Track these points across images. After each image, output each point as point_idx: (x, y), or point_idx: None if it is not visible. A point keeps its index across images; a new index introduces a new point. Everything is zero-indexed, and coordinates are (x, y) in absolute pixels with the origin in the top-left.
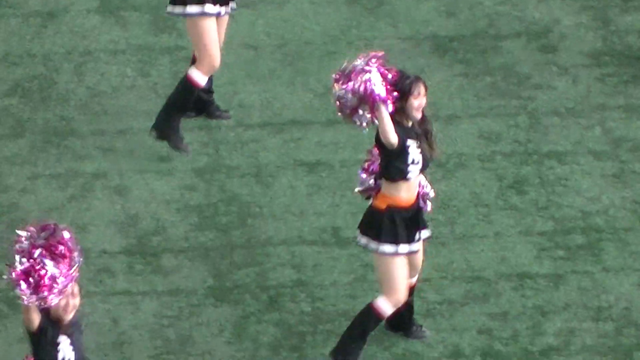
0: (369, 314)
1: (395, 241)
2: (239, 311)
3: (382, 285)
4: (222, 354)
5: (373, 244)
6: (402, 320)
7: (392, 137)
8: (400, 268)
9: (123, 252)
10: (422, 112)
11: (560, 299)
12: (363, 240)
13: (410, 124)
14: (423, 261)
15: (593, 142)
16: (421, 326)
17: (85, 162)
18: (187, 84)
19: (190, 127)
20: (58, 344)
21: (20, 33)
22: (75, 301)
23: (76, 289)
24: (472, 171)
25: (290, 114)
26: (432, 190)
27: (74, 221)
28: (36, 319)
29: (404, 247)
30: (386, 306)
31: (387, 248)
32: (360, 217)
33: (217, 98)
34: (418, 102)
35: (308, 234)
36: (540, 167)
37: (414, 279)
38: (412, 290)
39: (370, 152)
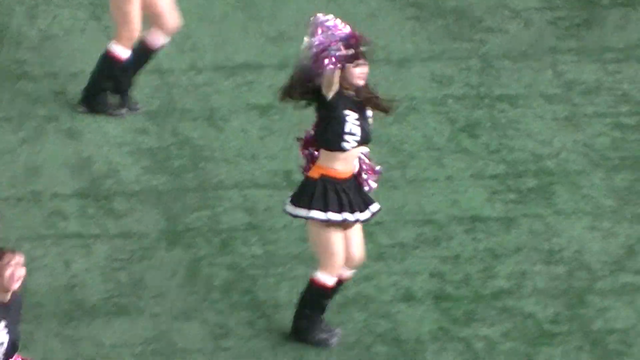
0: (312, 289)
1: (325, 209)
2: (191, 254)
3: (319, 257)
4: (174, 296)
5: (303, 212)
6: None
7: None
8: (334, 237)
9: (75, 195)
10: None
11: (511, 242)
12: (290, 208)
13: (351, 92)
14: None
15: (545, 86)
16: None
17: (37, 105)
18: (107, 58)
19: (142, 71)
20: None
21: None
22: (21, 272)
23: (22, 259)
24: (424, 115)
25: (243, 57)
26: (379, 166)
27: (27, 164)
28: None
29: (334, 215)
30: (325, 277)
31: (317, 214)
32: None
33: (170, 41)
34: (360, 70)
35: (260, 178)
36: (492, 110)
37: (349, 273)
38: (341, 282)
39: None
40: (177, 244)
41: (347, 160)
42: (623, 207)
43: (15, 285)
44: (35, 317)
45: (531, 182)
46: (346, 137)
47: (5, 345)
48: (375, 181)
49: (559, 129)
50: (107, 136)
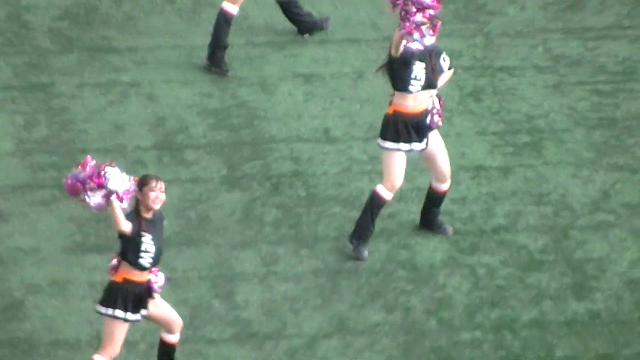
0: (373, 199)
1: (397, 139)
2: (248, 196)
3: (383, 176)
4: (233, 230)
5: (380, 141)
6: (429, 220)
7: None
8: (398, 163)
9: (153, 147)
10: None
11: (508, 187)
12: (378, 140)
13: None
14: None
15: (537, 59)
16: (444, 224)
17: (122, 73)
18: (221, 15)
19: (206, 45)
20: (142, 239)
21: None
22: (163, 196)
23: (163, 186)
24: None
25: (290, 34)
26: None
27: (113, 122)
28: (122, 220)
29: (404, 146)
30: (384, 192)
31: (389, 144)
32: (346, 120)
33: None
34: None
35: (304, 133)
36: (493, 79)
37: (445, 185)
38: (443, 194)
39: None
40: (236, 187)
41: (416, 99)
42: (600, 158)
43: (157, 206)
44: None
45: (525, 138)
46: (412, 82)
47: (152, 253)
48: (441, 118)
49: (547, 95)
50: (179, 99)
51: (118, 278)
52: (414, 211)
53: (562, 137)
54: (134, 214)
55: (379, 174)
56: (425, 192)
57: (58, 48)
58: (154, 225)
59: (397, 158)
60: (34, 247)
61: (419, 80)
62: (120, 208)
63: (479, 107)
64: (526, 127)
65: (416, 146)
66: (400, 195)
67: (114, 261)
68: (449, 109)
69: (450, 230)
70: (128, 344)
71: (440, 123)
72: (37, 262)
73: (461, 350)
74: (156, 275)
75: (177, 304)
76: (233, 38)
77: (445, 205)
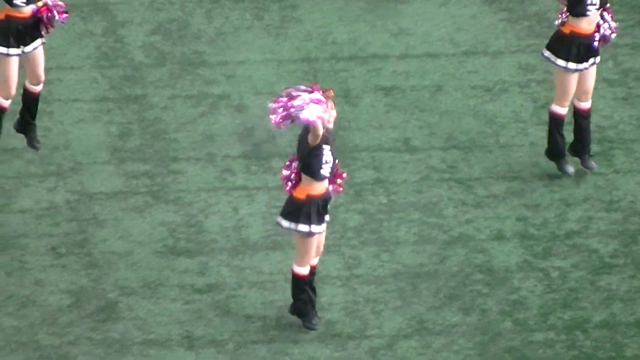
0: (551, 120)
1: (568, 59)
2: (332, 202)
3: (556, 93)
4: None
5: (550, 56)
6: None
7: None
8: (571, 81)
9: (242, 156)
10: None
11: (580, 194)
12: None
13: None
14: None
15: (607, 72)
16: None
17: (212, 86)
18: None
19: (293, 59)
20: (323, 151)
21: None
22: (334, 112)
23: (332, 105)
24: (513, 94)
25: (372, 49)
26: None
27: (204, 132)
28: (319, 136)
29: (572, 65)
30: (559, 108)
31: (561, 62)
32: (425, 131)
33: (316, 37)
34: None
35: (385, 143)
36: None
37: (586, 103)
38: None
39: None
40: None
41: (590, 22)
42: None
43: (331, 124)
44: (210, 250)
45: (596, 148)
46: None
47: (330, 163)
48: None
49: (617, 106)
50: (267, 110)
51: (301, 195)
52: (490, 216)
53: (631, 147)
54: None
55: (457, 182)
56: (500, 197)
57: (151, 61)
58: (327, 139)
59: (568, 76)
60: (127, 251)
61: (595, 4)
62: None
63: None
64: (597, 137)
65: (581, 66)
66: (476, 202)
67: (288, 176)
68: (523, 120)
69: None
70: (217, 343)
71: (613, 36)
72: (131, 266)
73: (535, 350)
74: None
75: (264, 306)
76: (318, 53)
77: (520, 211)
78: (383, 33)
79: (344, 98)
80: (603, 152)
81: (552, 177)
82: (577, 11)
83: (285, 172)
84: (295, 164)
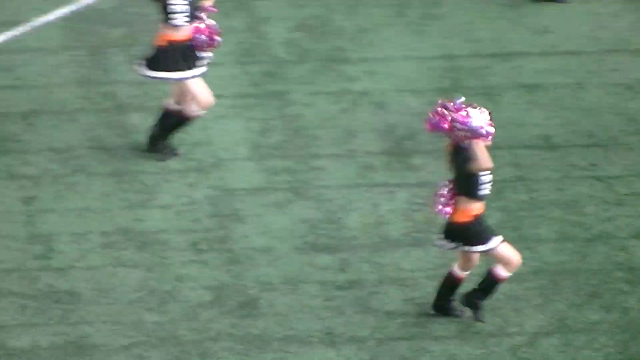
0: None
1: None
2: None
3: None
4: None
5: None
6: None
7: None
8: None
9: (382, 153)
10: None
11: None
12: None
13: None
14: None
15: None
16: None
17: (354, 82)
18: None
19: (435, 56)
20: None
21: None
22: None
23: None
24: None
25: (514, 46)
26: None
27: (345, 128)
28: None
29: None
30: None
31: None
32: (567, 128)
33: (457, 34)
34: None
35: (526, 140)
36: None
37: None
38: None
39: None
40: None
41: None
42: None
43: None
44: (350, 247)
45: None
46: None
47: (489, 184)
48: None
49: None
50: (409, 107)
51: (468, 218)
52: (631, 214)
53: None
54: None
55: (598, 179)
56: None
57: (293, 58)
58: None
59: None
60: (268, 247)
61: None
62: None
63: None
64: None
65: None
66: (617, 200)
67: (444, 202)
68: None
69: None
70: (357, 339)
71: None
72: (271, 262)
73: None
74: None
75: (404, 303)
76: (460, 50)
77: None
78: (525, 31)
79: (485, 95)
80: None
81: None
82: None
83: (442, 196)
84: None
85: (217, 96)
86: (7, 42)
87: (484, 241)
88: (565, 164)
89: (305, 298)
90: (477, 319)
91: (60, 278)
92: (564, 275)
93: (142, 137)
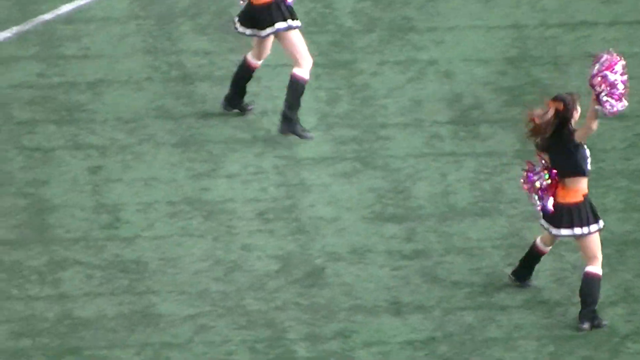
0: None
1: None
2: None
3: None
4: (525, 202)
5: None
6: None
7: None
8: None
9: (450, 122)
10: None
11: None
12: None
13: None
14: None
15: None
16: None
17: (421, 52)
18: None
19: (502, 26)
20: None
21: None
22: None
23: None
24: None
25: (581, 16)
26: None
27: (412, 98)
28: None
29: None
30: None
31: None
32: (635, 98)
33: (525, 3)
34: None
35: None
36: None
37: None
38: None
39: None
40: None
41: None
42: None
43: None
44: (417, 216)
45: None
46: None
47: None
48: None
49: None
50: (475, 77)
51: (580, 198)
52: None
53: None
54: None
55: None
56: None
57: (360, 27)
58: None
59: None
60: (335, 216)
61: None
62: None
63: None
64: None
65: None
66: None
67: (544, 186)
68: None
69: None
70: (424, 309)
71: None
72: (338, 231)
73: None
74: None
75: (470, 273)
76: (527, 19)
77: None
78: (591, 0)
79: (553, 65)
80: None
81: None
82: None
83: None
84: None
85: (284, 65)
86: (74, 12)
87: (597, 219)
88: (632, 134)
89: (371, 268)
90: (599, 325)
91: (127, 248)
92: (630, 245)
93: (209, 107)
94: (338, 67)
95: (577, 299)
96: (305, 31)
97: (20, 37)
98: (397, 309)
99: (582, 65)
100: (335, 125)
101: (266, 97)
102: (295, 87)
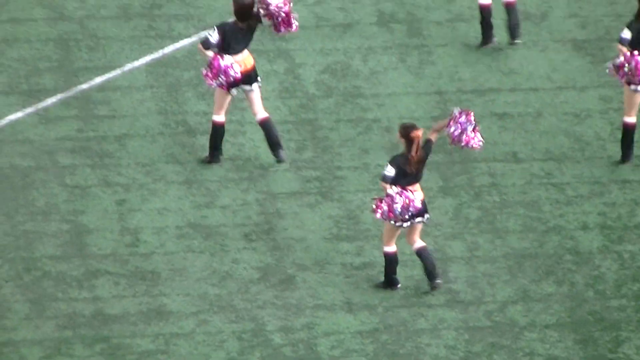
0: None
1: None
2: (457, 200)
3: None
4: (447, 225)
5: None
6: None
7: None
8: None
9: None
10: None
11: None
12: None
13: None
14: None
15: None
16: None
17: (368, 112)
18: None
19: (428, 92)
20: None
21: None
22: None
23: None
24: (595, 119)
25: (489, 84)
26: None
27: (361, 147)
28: None
29: None
30: None
31: None
32: (530, 147)
33: (446, 75)
34: None
35: (498, 155)
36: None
37: None
38: None
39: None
40: (449, 194)
41: None
42: None
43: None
44: (365, 237)
45: None
46: None
47: None
48: None
49: None
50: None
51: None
52: (578, 212)
53: None
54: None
55: (553, 185)
56: (586, 198)
57: (321, 94)
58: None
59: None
60: (302, 237)
61: None
62: None
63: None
64: None
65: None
66: (567, 201)
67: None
68: (603, 139)
69: None
70: (370, 307)
71: None
72: (305, 248)
73: (611, 313)
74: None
75: (405, 279)
76: (448, 87)
77: (600, 208)
78: (497, 72)
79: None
80: None
81: (625, 182)
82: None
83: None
84: None
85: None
86: (104, 82)
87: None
88: (528, 174)
89: (330, 276)
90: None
91: (145, 261)
92: (527, 258)
93: (207, 154)
94: (304, 123)
95: (487, 299)
96: (279, 97)
97: (64, 102)
98: (349, 307)
99: (490, 122)
100: (302, 168)
101: (250, 146)
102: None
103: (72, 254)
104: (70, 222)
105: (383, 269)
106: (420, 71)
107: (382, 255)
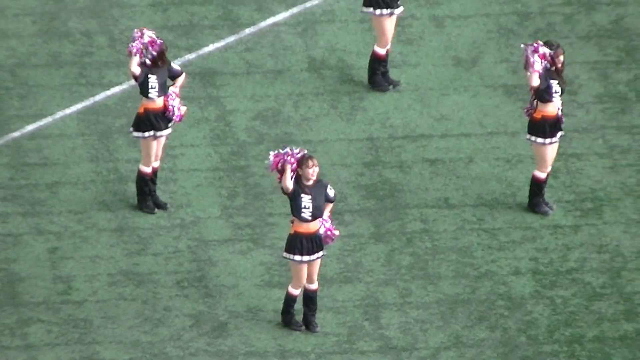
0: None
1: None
2: (389, 247)
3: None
4: (378, 272)
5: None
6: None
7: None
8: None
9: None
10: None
11: (577, 240)
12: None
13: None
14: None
15: (597, 148)
16: None
17: None
18: None
19: (360, 138)
20: (301, 199)
21: None
22: (317, 169)
23: (316, 162)
24: (527, 165)
25: (420, 130)
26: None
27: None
28: (289, 181)
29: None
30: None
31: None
32: (462, 192)
33: (377, 121)
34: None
35: (430, 201)
36: (566, 162)
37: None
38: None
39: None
40: (380, 240)
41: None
42: None
43: (313, 179)
44: None
45: (589, 204)
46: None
47: (310, 208)
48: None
49: (605, 174)
50: (340, 177)
51: (292, 231)
52: (510, 257)
53: (616, 204)
54: (297, 180)
55: (484, 231)
56: (517, 243)
57: (252, 140)
58: (312, 189)
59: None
60: (234, 284)
61: (558, 92)
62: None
63: (555, 182)
64: (590, 196)
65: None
66: (499, 246)
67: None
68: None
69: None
70: (302, 353)
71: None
72: (237, 295)
73: (543, 359)
74: (326, 227)
75: (337, 326)
76: (379, 133)
77: (532, 253)
78: (428, 118)
79: (398, 168)
80: (595, 208)
81: (556, 227)
82: (545, 98)
83: None
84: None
85: (195, 170)
86: (35, 130)
87: (289, 252)
88: (460, 219)
89: (262, 322)
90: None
91: (77, 309)
92: (459, 303)
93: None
94: (236, 170)
95: (419, 345)
96: (210, 144)
97: None
98: (282, 353)
99: (421, 168)
100: (234, 215)
101: (182, 193)
102: None
103: (4, 302)
104: (2, 270)
105: (325, 316)
106: (351, 117)
107: (287, 295)
